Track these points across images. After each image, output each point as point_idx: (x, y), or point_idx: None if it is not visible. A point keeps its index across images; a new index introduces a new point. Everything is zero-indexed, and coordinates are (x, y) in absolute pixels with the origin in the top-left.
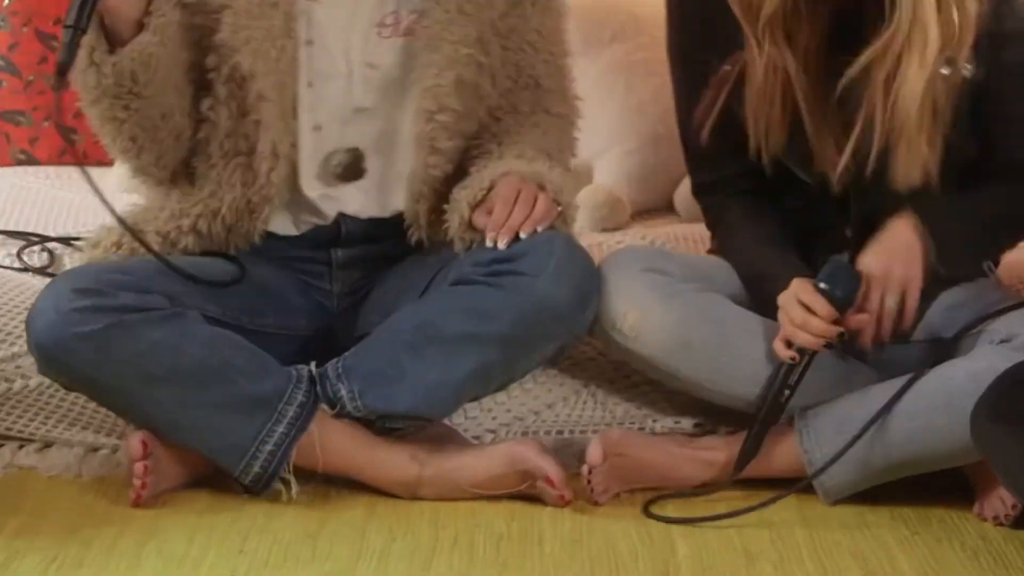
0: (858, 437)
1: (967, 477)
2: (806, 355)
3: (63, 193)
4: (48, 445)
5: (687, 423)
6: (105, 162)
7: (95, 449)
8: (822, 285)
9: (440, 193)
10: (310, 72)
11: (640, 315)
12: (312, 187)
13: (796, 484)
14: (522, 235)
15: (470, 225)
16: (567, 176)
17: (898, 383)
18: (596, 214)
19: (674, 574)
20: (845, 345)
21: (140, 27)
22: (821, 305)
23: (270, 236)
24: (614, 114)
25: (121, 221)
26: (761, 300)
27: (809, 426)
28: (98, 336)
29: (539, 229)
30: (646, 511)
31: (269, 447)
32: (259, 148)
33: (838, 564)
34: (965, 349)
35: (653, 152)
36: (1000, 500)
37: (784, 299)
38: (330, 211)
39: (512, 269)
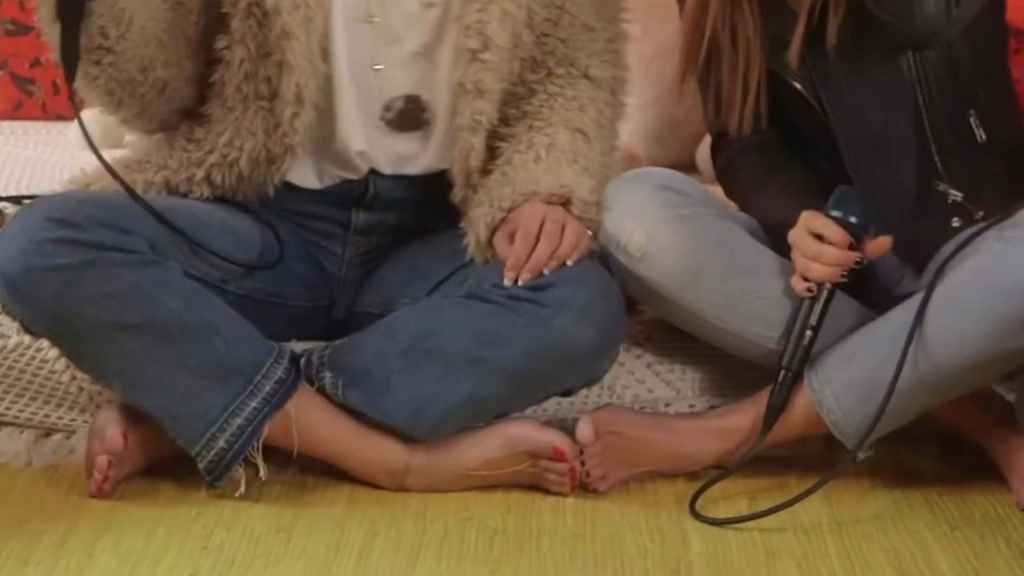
0: (898, 373)
1: (998, 464)
2: (824, 289)
3: (17, 149)
4: None
5: (703, 406)
6: (66, 116)
7: (47, 434)
8: (834, 213)
9: (491, 148)
10: (367, 7)
11: (647, 234)
12: (355, 139)
13: (835, 466)
14: (546, 272)
15: (489, 244)
16: (601, 174)
17: (908, 304)
18: None
19: (686, 573)
20: (859, 287)
21: None
22: (833, 230)
23: (287, 187)
24: (629, 62)
25: (131, 191)
26: (785, 249)
27: (815, 363)
28: (70, 271)
29: (569, 263)
30: (693, 511)
31: (239, 421)
32: (281, 91)
33: (868, 562)
34: None
35: (673, 105)
36: None
37: (794, 234)
38: (363, 165)
39: (534, 299)
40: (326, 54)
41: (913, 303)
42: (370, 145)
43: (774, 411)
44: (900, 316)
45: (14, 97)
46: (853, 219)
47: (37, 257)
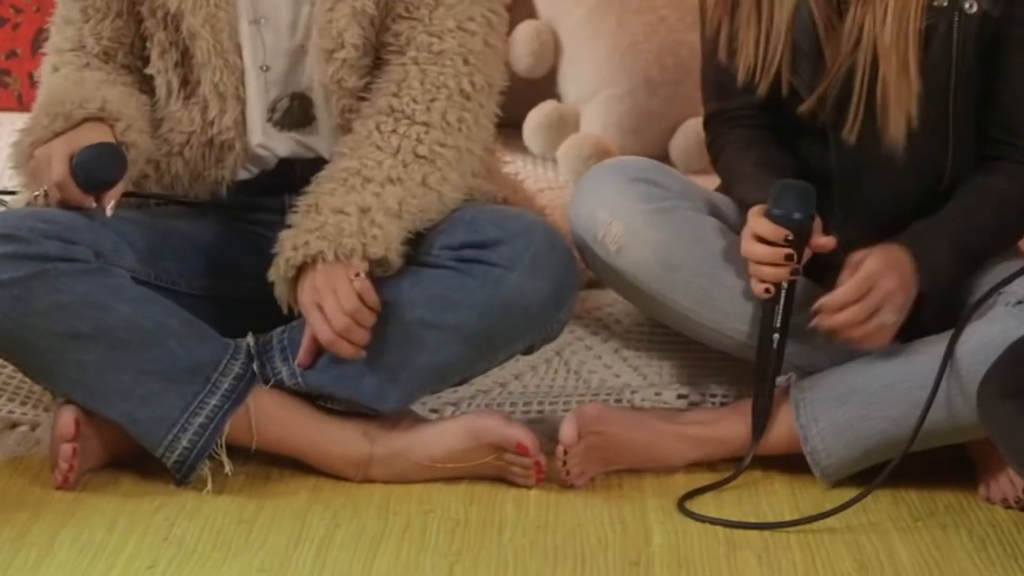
0: (912, 440)
1: (970, 455)
2: (780, 290)
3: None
4: None
5: (670, 394)
6: None
7: (12, 426)
8: (774, 211)
9: None
10: (255, 10)
11: (624, 227)
12: (256, 134)
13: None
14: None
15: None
16: (396, 168)
17: (912, 357)
18: (581, 167)
19: (646, 565)
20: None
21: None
22: (767, 229)
23: None
24: (603, 54)
25: None
26: None
27: (805, 398)
28: (18, 285)
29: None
30: (681, 508)
31: (200, 420)
32: (200, 90)
33: (830, 554)
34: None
35: (646, 97)
36: (1009, 481)
37: (742, 237)
38: (270, 160)
39: (484, 258)
40: (240, 50)
41: (921, 356)
42: (267, 138)
43: (761, 420)
44: (900, 370)
45: None
46: (797, 215)
47: None
